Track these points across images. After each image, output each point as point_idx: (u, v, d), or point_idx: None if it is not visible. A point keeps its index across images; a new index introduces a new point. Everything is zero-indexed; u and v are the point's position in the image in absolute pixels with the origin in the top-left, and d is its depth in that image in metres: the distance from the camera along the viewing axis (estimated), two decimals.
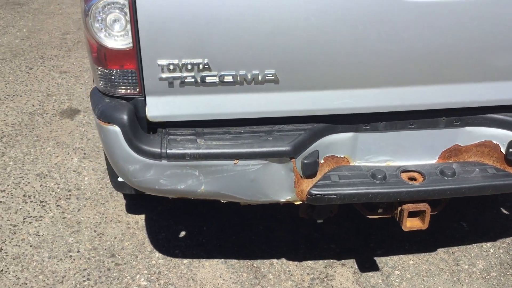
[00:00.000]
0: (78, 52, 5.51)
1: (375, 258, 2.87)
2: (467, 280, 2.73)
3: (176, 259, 2.84)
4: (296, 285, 2.68)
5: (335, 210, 2.29)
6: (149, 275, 2.73)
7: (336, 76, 1.93)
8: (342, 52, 1.88)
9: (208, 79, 1.88)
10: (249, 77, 1.89)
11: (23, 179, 3.45)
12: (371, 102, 1.99)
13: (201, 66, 1.86)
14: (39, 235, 2.98)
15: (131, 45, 1.81)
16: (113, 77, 1.87)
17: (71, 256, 2.85)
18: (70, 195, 3.31)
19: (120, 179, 2.72)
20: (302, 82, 1.93)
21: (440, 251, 2.92)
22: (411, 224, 2.10)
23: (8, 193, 3.30)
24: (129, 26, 1.78)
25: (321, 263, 2.83)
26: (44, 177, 3.47)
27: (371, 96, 1.98)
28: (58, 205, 3.22)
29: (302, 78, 1.92)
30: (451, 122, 2.12)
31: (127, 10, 1.76)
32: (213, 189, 1.99)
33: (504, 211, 3.26)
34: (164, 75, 1.87)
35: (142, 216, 3.15)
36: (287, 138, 1.95)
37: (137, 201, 3.26)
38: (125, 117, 1.85)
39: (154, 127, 1.97)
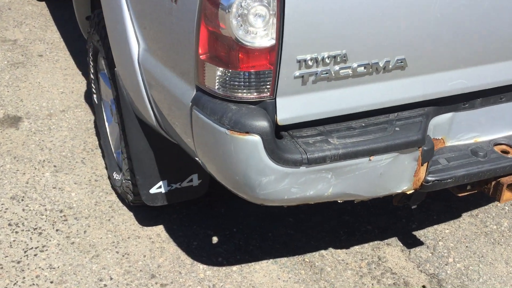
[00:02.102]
0: None
1: (414, 233, 2.89)
2: (502, 240, 2.86)
3: (224, 268, 2.63)
4: (357, 273, 2.62)
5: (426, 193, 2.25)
6: None
7: (456, 56, 1.87)
8: (467, 31, 1.82)
9: (342, 72, 1.72)
10: (381, 65, 1.76)
11: None
12: (480, 79, 1.97)
13: (338, 58, 1.69)
14: (54, 268, 2.59)
15: (273, 41, 1.58)
16: (242, 79, 1.63)
17: (105, 285, 2.51)
18: (64, 216, 2.90)
19: (153, 191, 2.44)
20: (426, 66, 1.84)
21: (465, 216, 3.02)
22: (507, 196, 2.13)
23: None
24: (272, 21, 1.55)
25: (367, 247, 2.78)
26: (22, 200, 3.00)
27: (480, 73, 1.95)
28: (57, 230, 2.81)
29: (427, 62, 1.83)
30: None
31: (273, 2, 1.53)
32: (339, 191, 1.84)
33: None
34: (299, 73, 1.67)
35: (161, 227, 2.86)
36: (412, 127, 1.86)
37: (146, 211, 2.95)
38: (266, 124, 1.63)
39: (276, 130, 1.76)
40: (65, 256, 2.65)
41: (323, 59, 1.66)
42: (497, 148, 2.13)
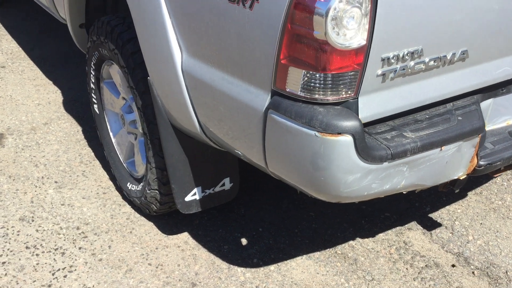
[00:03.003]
0: None
1: (429, 215, 3.01)
2: (510, 214, 3.03)
3: (262, 268, 2.64)
4: (389, 260, 2.71)
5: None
6: None
7: (505, 44, 1.97)
8: None
9: (416, 67, 1.77)
10: (448, 58, 1.83)
11: (8, 229, 2.82)
12: None
13: (415, 54, 1.74)
14: None
15: (364, 42, 1.61)
16: (330, 81, 1.64)
17: None
18: (83, 233, 2.81)
19: (188, 199, 2.42)
20: (482, 56, 1.93)
21: (470, 194, 3.18)
22: None
23: (5, 251, 2.67)
24: (364, 21, 1.58)
25: (390, 233, 2.88)
26: (32, 220, 2.88)
27: None
28: (80, 248, 2.72)
29: (483, 52, 1.92)
30: None
31: (365, 3, 1.55)
32: (410, 182, 1.90)
33: None
34: (381, 71, 1.71)
35: (186, 234, 2.83)
36: (471, 115, 1.95)
37: (166, 219, 2.91)
38: (358, 124, 1.66)
39: None
40: (97, 274, 2.56)
41: (403, 56, 1.71)
42: None
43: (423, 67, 1.78)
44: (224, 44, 1.86)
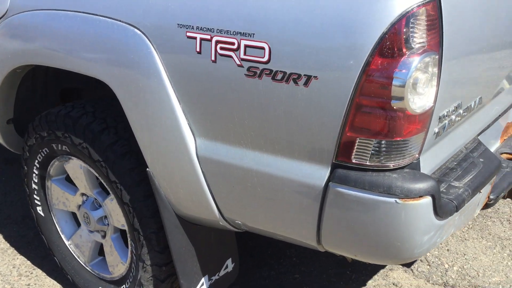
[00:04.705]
0: None
1: None
2: (466, 235, 3.26)
3: None
4: None
5: None
6: None
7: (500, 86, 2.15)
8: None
9: (455, 119, 1.86)
10: (472, 106, 1.94)
11: None
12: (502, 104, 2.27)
13: (457, 108, 1.82)
14: None
15: (431, 104, 1.64)
16: (401, 147, 1.64)
17: None
18: None
19: None
20: (486, 100, 2.08)
21: None
22: None
23: None
24: (431, 84, 1.62)
25: (377, 278, 2.94)
26: None
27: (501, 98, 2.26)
28: None
29: (491, 95, 2.07)
30: None
31: (432, 68, 1.60)
32: (454, 229, 1.96)
33: None
34: (437, 128, 1.76)
35: None
36: (488, 155, 2.06)
37: None
38: (435, 183, 1.67)
39: None
40: None
41: (451, 111, 1.77)
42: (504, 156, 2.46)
43: (459, 118, 1.86)
44: (265, 125, 1.76)
